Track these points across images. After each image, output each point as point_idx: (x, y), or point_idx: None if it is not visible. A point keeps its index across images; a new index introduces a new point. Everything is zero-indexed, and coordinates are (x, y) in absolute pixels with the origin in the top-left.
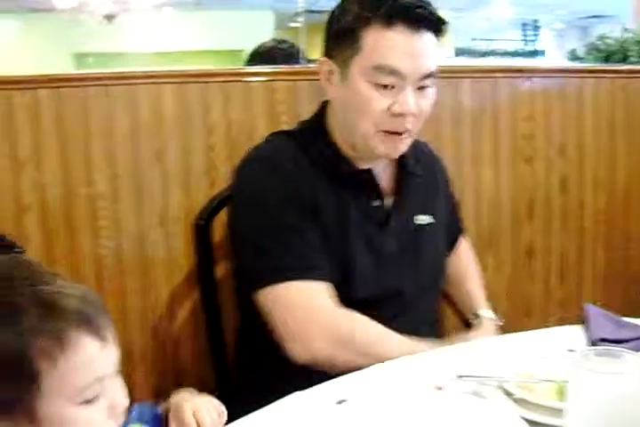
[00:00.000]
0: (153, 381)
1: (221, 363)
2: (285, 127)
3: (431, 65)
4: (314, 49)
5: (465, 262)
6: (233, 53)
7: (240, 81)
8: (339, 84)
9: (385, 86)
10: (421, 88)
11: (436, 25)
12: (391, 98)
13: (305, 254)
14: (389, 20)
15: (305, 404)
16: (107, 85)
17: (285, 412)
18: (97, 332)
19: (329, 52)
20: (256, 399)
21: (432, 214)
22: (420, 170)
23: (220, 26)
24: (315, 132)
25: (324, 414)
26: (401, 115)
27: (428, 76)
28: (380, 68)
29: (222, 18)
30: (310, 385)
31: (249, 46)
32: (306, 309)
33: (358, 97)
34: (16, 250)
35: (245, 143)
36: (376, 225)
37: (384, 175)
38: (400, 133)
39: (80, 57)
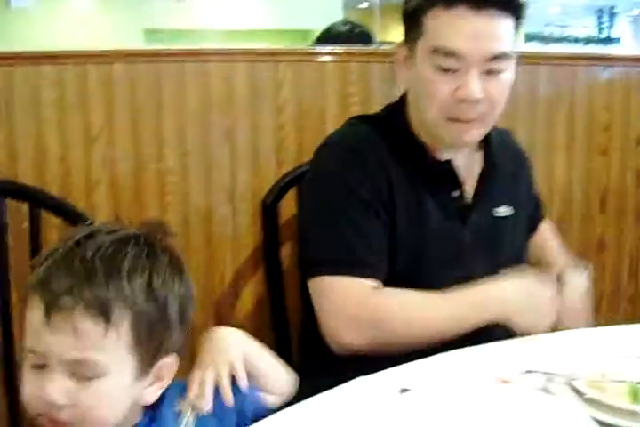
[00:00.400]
0: None
1: (284, 344)
2: (356, 108)
3: (498, 47)
4: (386, 31)
5: (549, 244)
6: (302, 33)
7: (312, 61)
8: (409, 70)
9: (447, 70)
10: (490, 72)
11: (505, 4)
12: (455, 82)
13: (358, 250)
14: (450, 1)
15: (368, 391)
16: (180, 62)
17: (348, 398)
18: (45, 305)
19: (405, 37)
20: (319, 383)
21: (513, 206)
22: (504, 160)
23: (290, 6)
24: (396, 119)
25: (387, 402)
26: (465, 100)
27: (496, 58)
28: (438, 51)
29: None
30: (374, 371)
31: (318, 26)
32: (339, 304)
33: (423, 82)
34: (86, 223)
35: (315, 123)
36: (454, 216)
37: (466, 166)
38: (468, 121)
39: (151, 33)
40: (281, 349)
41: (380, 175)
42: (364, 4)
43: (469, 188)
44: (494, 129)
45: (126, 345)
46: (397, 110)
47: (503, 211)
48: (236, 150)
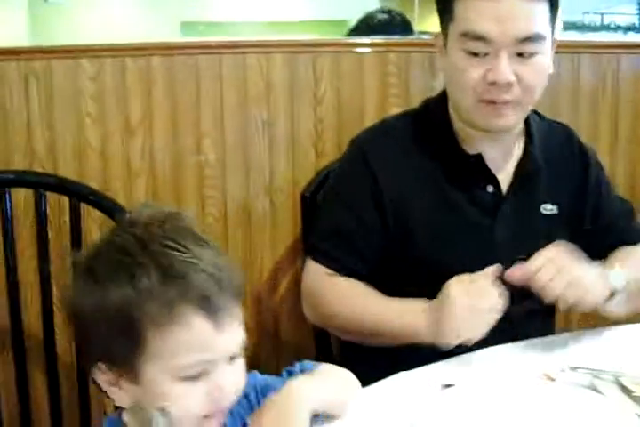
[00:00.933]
0: (250, 352)
1: (323, 337)
2: (395, 100)
3: (527, 29)
4: (424, 20)
5: None
6: (339, 23)
7: (351, 52)
8: (444, 57)
9: (477, 54)
10: (522, 55)
11: None
12: (485, 66)
13: (327, 241)
14: None
15: (410, 386)
16: (218, 54)
17: (390, 392)
18: (213, 314)
19: (441, 26)
20: (359, 377)
21: (557, 204)
22: (556, 156)
23: None
24: (433, 112)
25: (430, 397)
26: (496, 83)
27: (527, 40)
28: (466, 35)
29: None
30: (416, 366)
31: (355, 16)
32: (302, 282)
33: (454, 68)
34: (125, 214)
35: (354, 115)
36: (485, 210)
37: (501, 159)
38: (502, 103)
39: (189, 26)
40: (320, 341)
41: (396, 176)
42: None
43: (505, 182)
44: (549, 122)
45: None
46: (437, 103)
47: (546, 209)
48: (275, 143)
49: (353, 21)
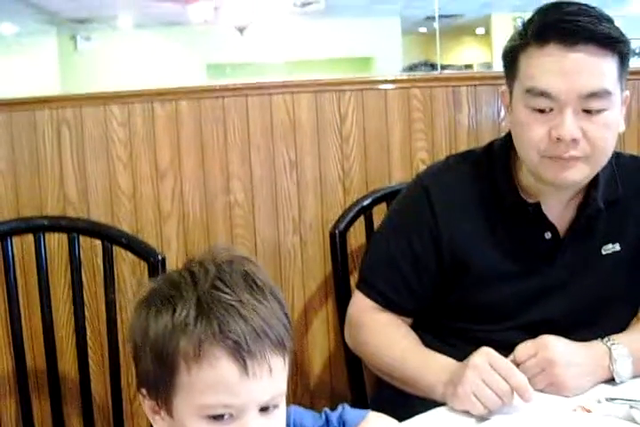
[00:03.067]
0: None
1: (356, 375)
2: (421, 135)
3: (593, 84)
4: (445, 54)
5: None
6: (363, 61)
7: (375, 88)
8: (509, 112)
9: (542, 111)
10: (589, 111)
11: (600, 41)
12: (549, 123)
13: (376, 276)
14: (542, 39)
15: (445, 421)
16: (244, 95)
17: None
18: (242, 359)
19: (507, 81)
20: (393, 414)
21: (618, 242)
22: (615, 192)
23: (349, 33)
24: (497, 156)
25: None
26: (560, 140)
27: (593, 96)
28: (530, 91)
29: (350, 25)
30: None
31: (377, 53)
32: (348, 311)
33: (518, 124)
34: (158, 258)
35: (380, 151)
36: (542, 257)
37: (561, 208)
38: (569, 159)
39: (214, 67)
40: (353, 380)
41: (452, 214)
42: (423, 29)
43: (563, 226)
44: (625, 157)
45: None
46: (501, 147)
47: (606, 249)
48: (302, 181)
49: (376, 58)
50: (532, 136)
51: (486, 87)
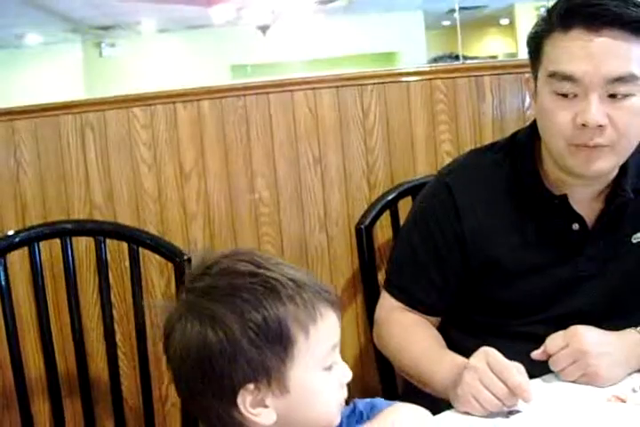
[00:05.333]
0: None
1: (387, 371)
2: (444, 126)
3: (619, 68)
4: (465, 45)
5: None
6: (387, 56)
7: (397, 81)
8: (534, 100)
9: (566, 96)
10: (615, 96)
11: (626, 24)
12: (574, 108)
13: (403, 275)
14: (566, 24)
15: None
16: (265, 93)
17: (457, 421)
18: (336, 305)
19: (531, 69)
20: (421, 404)
21: None
22: None
23: (372, 29)
24: (522, 148)
25: (497, 425)
26: (585, 126)
27: (619, 80)
28: (554, 75)
29: (373, 21)
30: None
31: (401, 48)
32: (376, 311)
33: (543, 110)
34: (184, 258)
35: (404, 145)
36: (571, 249)
37: (588, 199)
38: (594, 146)
39: (238, 69)
40: (384, 375)
41: (476, 209)
42: (446, 22)
43: (591, 217)
44: None
45: None
46: (525, 139)
47: (637, 237)
48: (327, 177)
49: (400, 53)
50: (557, 122)
51: (509, 76)
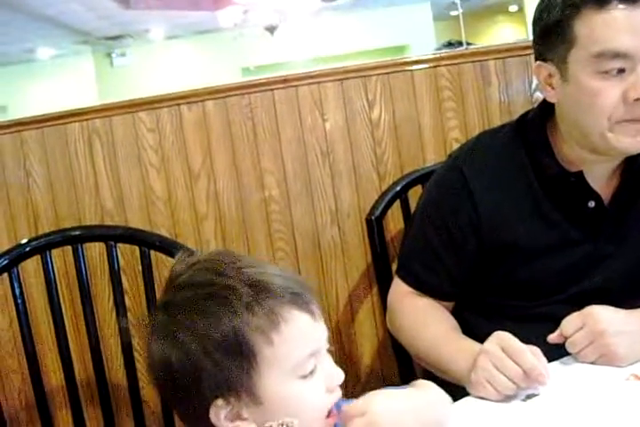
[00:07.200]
0: None
1: (405, 362)
2: (451, 113)
3: None
4: (475, 34)
5: None
6: (396, 49)
7: (402, 70)
8: (561, 85)
9: (616, 73)
10: None
11: None
12: (623, 84)
13: (413, 260)
14: (601, 1)
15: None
16: (269, 90)
17: (476, 406)
18: (306, 306)
19: (542, 55)
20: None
21: None
22: None
23: (380, 23)
24: (532, 128)
25: (512, 411)
26: (638, 100)
27: None
28: (601, 55)
29: (380, 15)
30: None
31: (410, 41)
32: (388, 296)
33: (585, 93)
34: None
35: (412, 134)
36: (587, 227)
37: (605, 175)
38: None
39: (248, 70)
40: (403, 365)
41: (489, 192)
42: (455, 12)
43: (607, 194)
44: None
45: None
46: (535, 120)
47: None
48: (336, 171)
49: (410, 46)
50: (606, 102)
51: (514, 59)
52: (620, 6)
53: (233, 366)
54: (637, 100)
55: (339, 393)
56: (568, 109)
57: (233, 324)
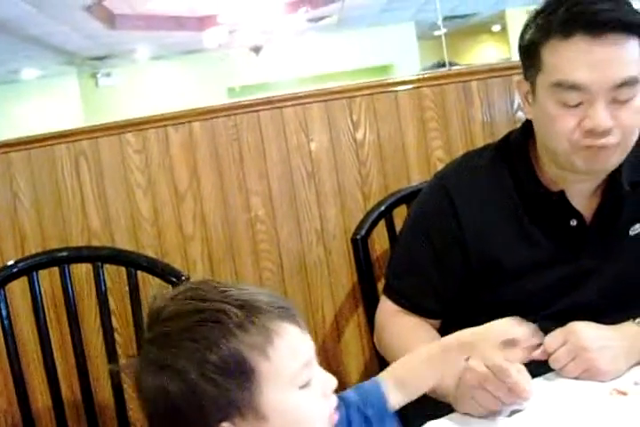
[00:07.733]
0: None
1: None
2: (435, 133)
3: (623, 73)
4: (458, 54)
5: None
6: (381, 69)
7: (386, 91)
8: (532, 104)
9: (572, 104)
10: (618, 100)
11: (627, 26)
12: (580, 115)
13: (399, 279)
14: (566, 29)
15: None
16: (255, 111)
17: (459, 423)
18: (293, 319)
19: (523, 72)
20: (429, 414)
21: None
22: (638, 175)
23: (364, 43)
24: (516, 148)
25: (499, 424)
26: (593, 131)
27: (623, 85)
28: (559, 85)
29: (365, 35)
30: None
31: (394, 61)
32: (381, 322)
33: (546, 117)
34: (182, 278)
35: (396, 154)
36: (570, 245)
37: (586, 193)
38: (602, 147)
39: (234, 91)
40: None
41: (474, 211)
42: (438, 32)
43: (589, 212)
44: None
45: None
46: (518, 139)
47: (634, 229)
48: (321, 191)
49: (394, 66)
50: (563, 128)
51: (496, 79)
52: (583, 38)
53: (234, 387)
54: (590, 131)
55: (335, 398)
56: (537, 129)
57: (229, 345)
